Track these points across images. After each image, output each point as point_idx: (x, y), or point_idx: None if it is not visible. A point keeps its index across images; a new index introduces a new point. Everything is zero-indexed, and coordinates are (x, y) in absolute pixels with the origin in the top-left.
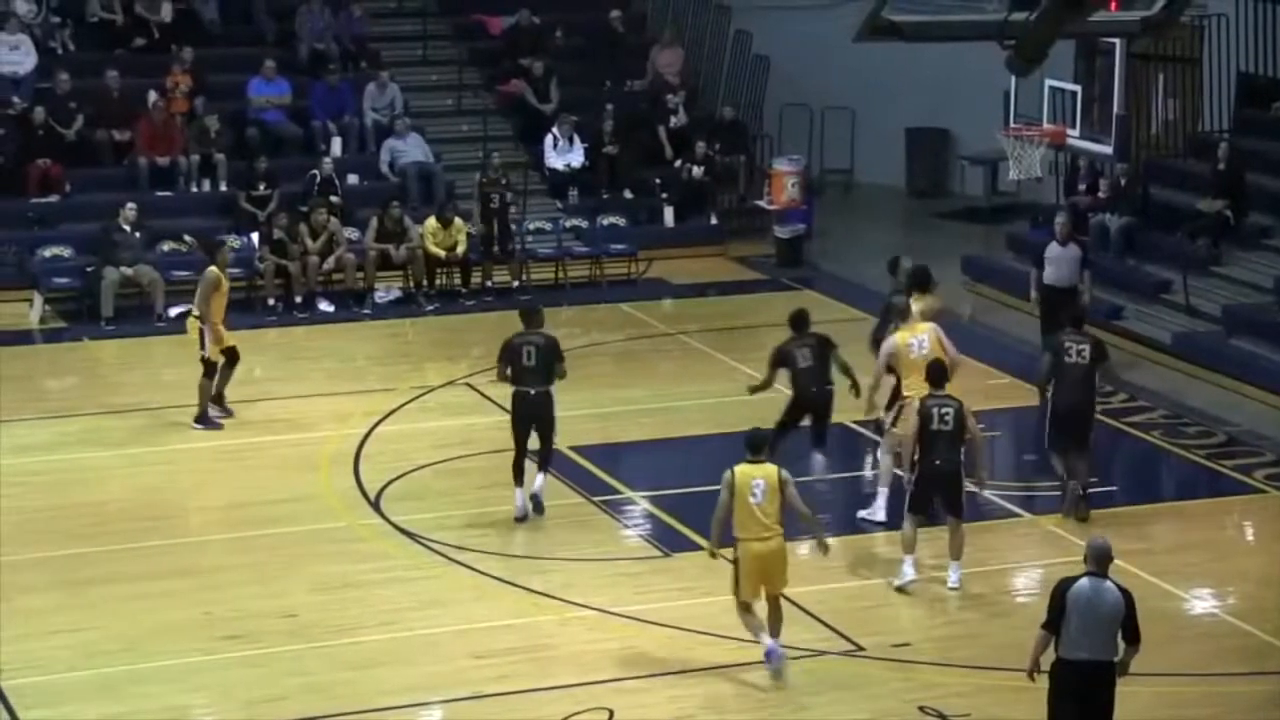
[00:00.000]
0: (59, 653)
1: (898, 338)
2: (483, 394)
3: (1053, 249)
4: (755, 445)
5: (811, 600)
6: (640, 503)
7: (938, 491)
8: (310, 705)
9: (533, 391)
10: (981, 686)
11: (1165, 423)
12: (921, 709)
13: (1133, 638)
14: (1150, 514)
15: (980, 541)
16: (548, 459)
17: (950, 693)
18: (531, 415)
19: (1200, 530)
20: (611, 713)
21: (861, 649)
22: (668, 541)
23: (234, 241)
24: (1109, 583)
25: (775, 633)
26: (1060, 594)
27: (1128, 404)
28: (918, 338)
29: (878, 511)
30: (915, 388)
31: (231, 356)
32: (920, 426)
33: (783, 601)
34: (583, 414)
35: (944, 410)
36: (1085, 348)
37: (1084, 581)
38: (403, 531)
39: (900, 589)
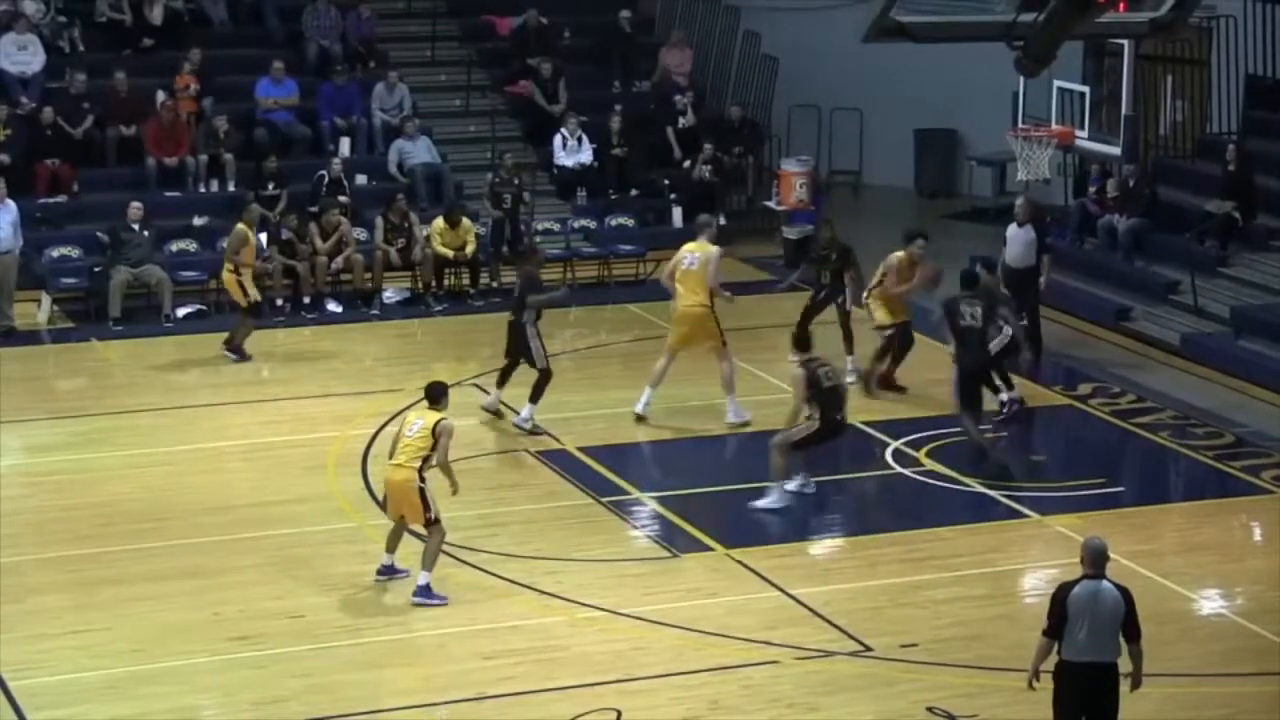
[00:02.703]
0: (67, 653)
1: (684, 248)
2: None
3: (1011, 230)
4: (430, 395)
5: (819, 601)
6: (648, 503)
7: (833, 439)
8: (317, 706)
9: (511, 319)
10: (989, 687)
11: (1173, 423)
12: (929, 710)
13: (1134, 634)
14: (1158, 515)
15: (988, 542)
16: (534, 388)
17: (958, 693)
18: (508, 339)
19: (1208, 531)
20: (619, 713)
21: (869, 650)
22: (676, 542)
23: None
24: (1107, 583)
25: (426, 562)
26: (1060, 599)
27: (1135, 404)
28: (694, 254)
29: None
30: (679, 295)
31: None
32: (811, 387)
33: (433, 532)
34: (590, 414)
35: (826, 369)
36: (978, 309)
37: (1083, 585)
38: (410, 532)
39: (759, 509)
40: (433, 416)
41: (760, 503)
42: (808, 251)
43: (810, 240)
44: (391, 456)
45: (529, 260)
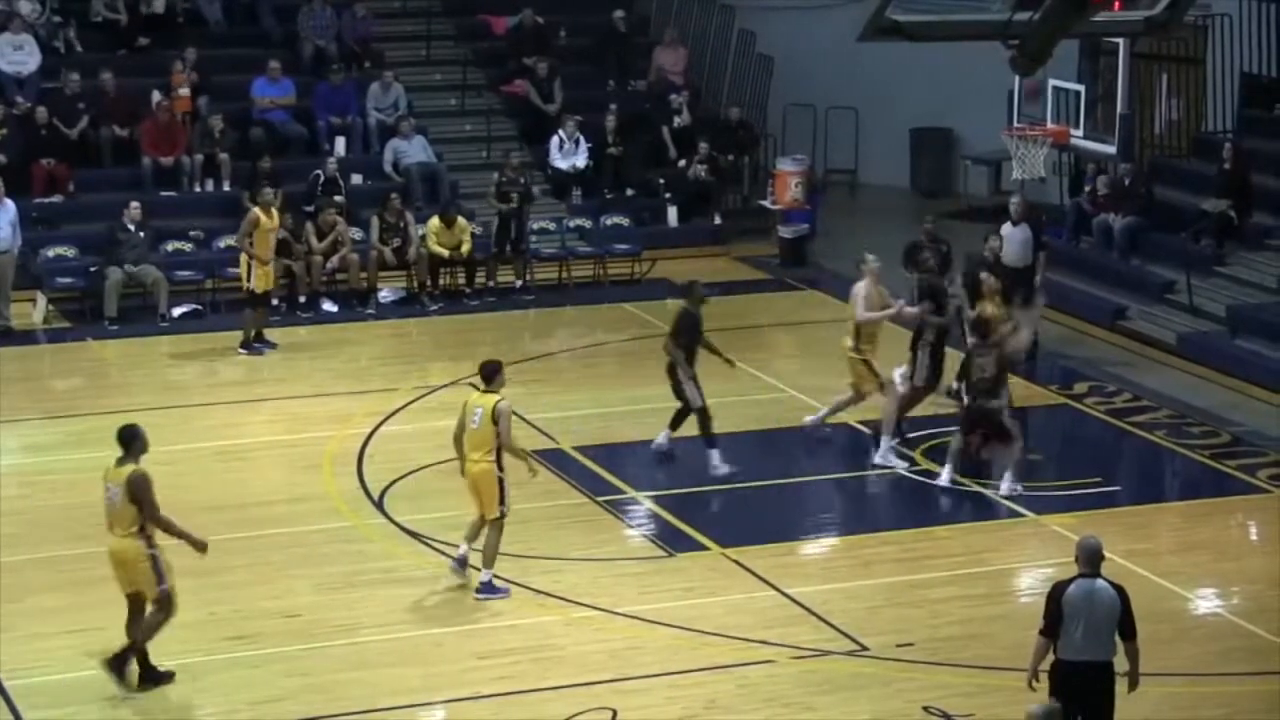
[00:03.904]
0: (64, 653)
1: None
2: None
3: (1006, 229)
4: (483, 376)
5: (816, 600)
6: (644, 502)
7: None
8: (313, 705)
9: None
10: (985, 686)
11: (1169, 423)
12: (925, 709)
13: (1129, 633)
14: (1154, 514)
15: (984, 541)
16: (701, 430)
17: (954, 693)
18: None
19: (1204, 530)
20: (615, 713)
21: (865, 649)
22: (671, 541)
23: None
24: (1102, 582)
25: (486, 560)
26: (1055, 599)
27: (1132, 404)
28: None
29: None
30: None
31: (266, 299)
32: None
33: (494, 527)
34: (586, 414)
35: (982, 360)
36: None
37: (1078, 584)
38: (406, 531)
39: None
40: (490, 400)
41: (1004, 487)
42: (914, 258)
43: (915, 245)
44: (462, 450)
45: (687, 298)
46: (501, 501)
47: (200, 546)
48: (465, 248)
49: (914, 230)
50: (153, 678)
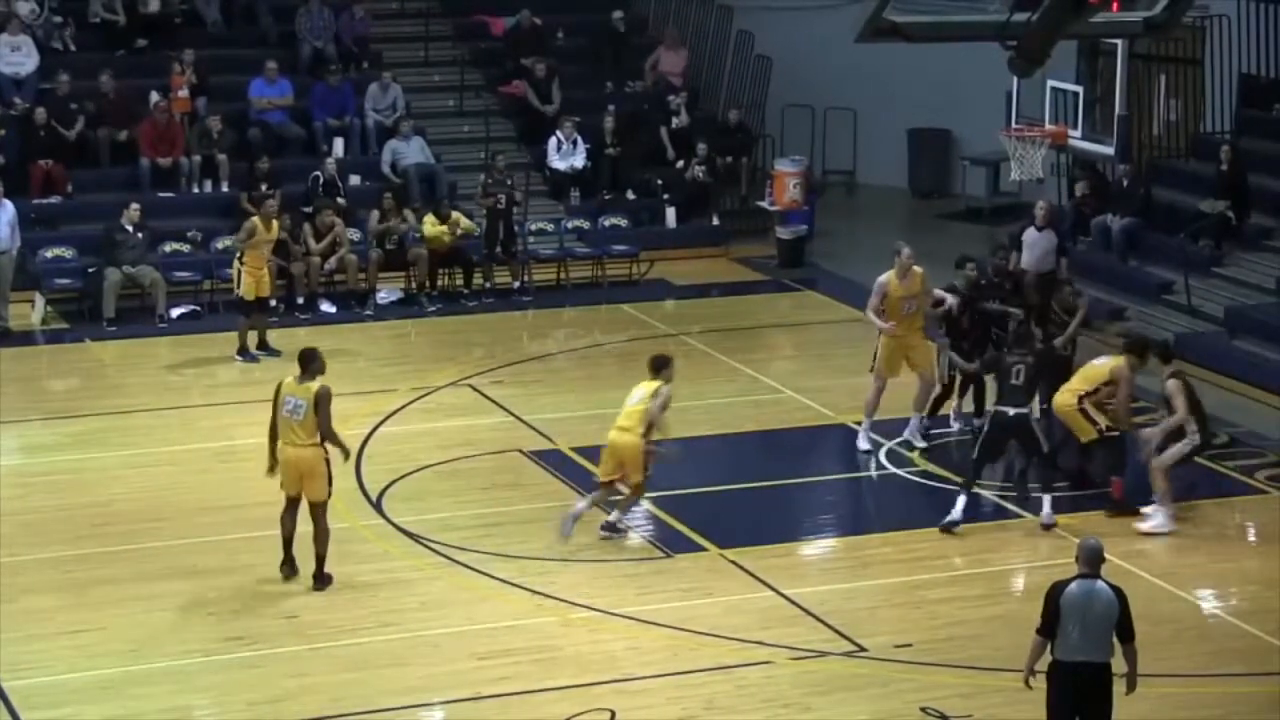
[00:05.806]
0: (61, 653)
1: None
2: (484, 395)
3: (1029, 234)
4: (651, 366)
5: (814, 601)
6: (642, 504)
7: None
8: (311, 706)
9: (1010, 412)
10: (983, 687)
11: None
12: (923, 710)
13: (1127, 636)
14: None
15: (982, 542)
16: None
17: (952, 693)
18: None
19: (1202, 531)
20: (613, 713)
21: (864, 650)
22: (669, 542)
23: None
24: (1101, 583)
25: (621, 507)
26: (1053, 598)
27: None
28: None
29: None
30: None
31: (262, 305)
32: (1190, 396)
33: (637, 494)
34: (584, 414)
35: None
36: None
37: (1078, 584)
38: (404, 532)
39: (1143, 531)
40: (652, 385)
41: (1145, 525)
42: (983, 292)
43: (978, 286)
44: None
45: (1024, 342)
46: (645, 470)
47: (346, 453)
48: (447, 238)
49: (912, 231)
50: (325, 579)
